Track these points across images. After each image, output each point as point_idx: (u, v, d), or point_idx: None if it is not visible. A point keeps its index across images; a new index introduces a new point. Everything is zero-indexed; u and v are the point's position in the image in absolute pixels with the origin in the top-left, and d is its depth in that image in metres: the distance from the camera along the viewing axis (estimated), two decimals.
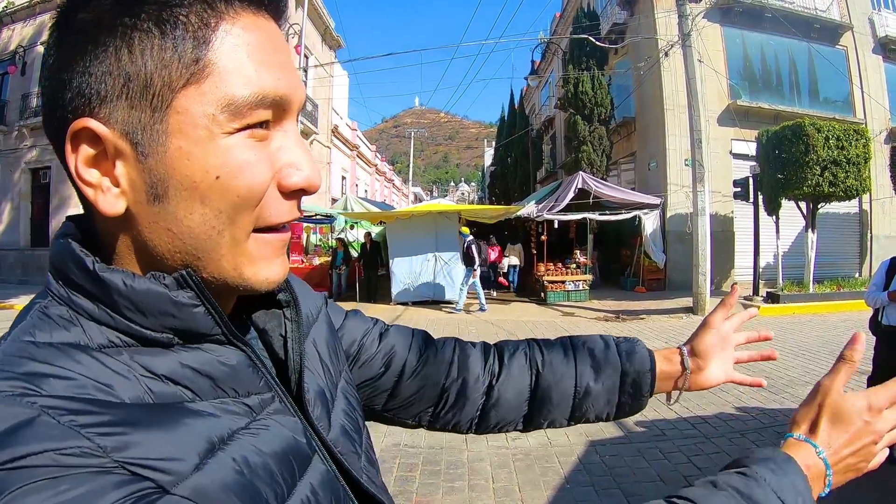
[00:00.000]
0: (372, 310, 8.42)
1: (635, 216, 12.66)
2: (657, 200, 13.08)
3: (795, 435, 0.60)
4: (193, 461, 0.37)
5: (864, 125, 13.91)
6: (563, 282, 12.00)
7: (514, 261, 14.37)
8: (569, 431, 3.90)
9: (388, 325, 0.80)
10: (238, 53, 0.41)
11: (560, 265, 12.82)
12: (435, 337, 0.82)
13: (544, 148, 27.02)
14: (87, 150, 0.40)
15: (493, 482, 3.07)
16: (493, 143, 36.04)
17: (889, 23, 18.05)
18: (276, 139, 0.44)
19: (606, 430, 4.00)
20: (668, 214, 13.81)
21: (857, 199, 13.86)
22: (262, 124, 0.43)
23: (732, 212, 14.26)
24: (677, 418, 4.30)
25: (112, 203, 0.41)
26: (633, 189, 14.66)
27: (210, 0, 0.40)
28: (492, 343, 0.84)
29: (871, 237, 16.15)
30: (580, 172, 12.97)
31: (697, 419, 4.36)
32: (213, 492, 0.36)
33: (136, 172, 0.41)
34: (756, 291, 11.56)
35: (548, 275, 12.14)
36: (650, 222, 12.82)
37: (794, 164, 11.29)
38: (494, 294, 13.23)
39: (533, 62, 29.37)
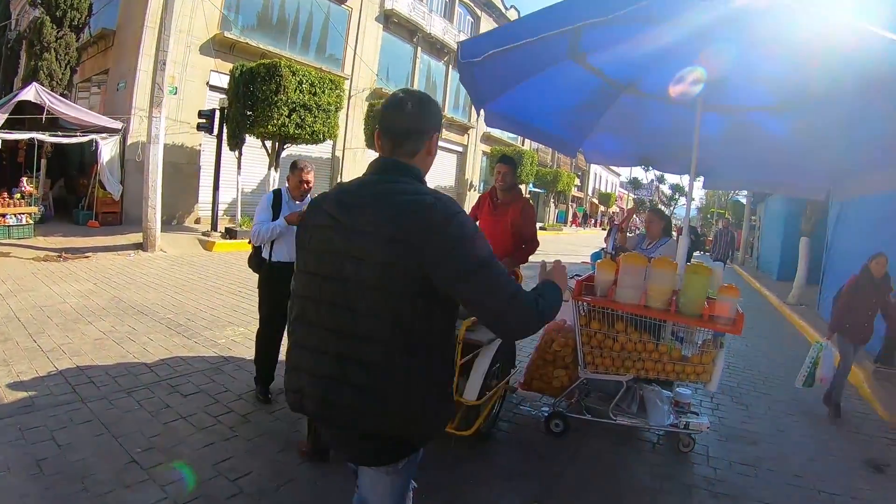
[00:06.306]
0: None
1: (91, 140, 11.39)
2: (118, 125, 11.99)
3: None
4: None
5: (341, 77, 15.23)
6: (3, 215, 10.58)
7: None
8: None
9: None
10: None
11: (5, 194, 11.23)
12: None
13: (23, 53, 21.37)
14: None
15: None
16: None
17: None
18: None
19: None
20: (130, 141, 12.55)
21: (330, 144, 15.34)
22: None
23: (200, 145, 13.97)
24: (54, 385, 4.01)
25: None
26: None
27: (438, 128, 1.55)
28: None
29: (341, 180, 18.82)
30: (34, 84, 10.90)
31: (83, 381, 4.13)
32: None
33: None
34: (215, 227, 12.03)
35: None
36: (108, 149, 11.67)
37: (263, 103, 11.11)
38: None
39: None
